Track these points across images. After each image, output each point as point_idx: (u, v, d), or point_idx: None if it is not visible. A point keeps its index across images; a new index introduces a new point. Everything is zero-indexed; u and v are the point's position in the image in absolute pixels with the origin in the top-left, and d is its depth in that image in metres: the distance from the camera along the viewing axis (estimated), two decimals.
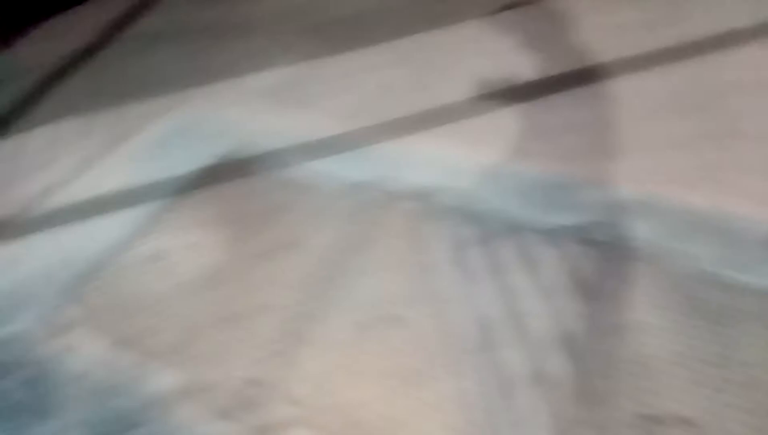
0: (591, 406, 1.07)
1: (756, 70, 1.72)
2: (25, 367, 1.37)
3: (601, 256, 1.37)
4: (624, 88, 1.78)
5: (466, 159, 1.68)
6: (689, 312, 1.19)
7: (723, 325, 1.15)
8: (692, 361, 1.10)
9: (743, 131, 1.54)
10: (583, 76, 1.86)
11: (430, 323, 1.27)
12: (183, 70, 2.46)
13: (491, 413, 1.08)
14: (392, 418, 1.11)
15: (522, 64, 1.96)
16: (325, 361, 1.25)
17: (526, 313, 1.25)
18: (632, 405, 1.05)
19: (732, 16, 1.96)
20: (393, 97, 1.98)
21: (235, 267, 1.53)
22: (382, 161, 1.77)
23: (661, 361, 1.11)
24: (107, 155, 2.09)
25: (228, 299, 1.44)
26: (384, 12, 2.53)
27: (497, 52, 2.06)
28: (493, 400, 1.10)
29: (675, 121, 1.62)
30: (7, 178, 2.08)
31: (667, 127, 1.61)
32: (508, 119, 1.77)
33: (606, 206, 1.46)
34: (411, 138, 1.80)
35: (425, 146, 1.76)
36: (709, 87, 1.71)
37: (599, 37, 2.02)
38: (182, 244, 1.63)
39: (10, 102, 2.49)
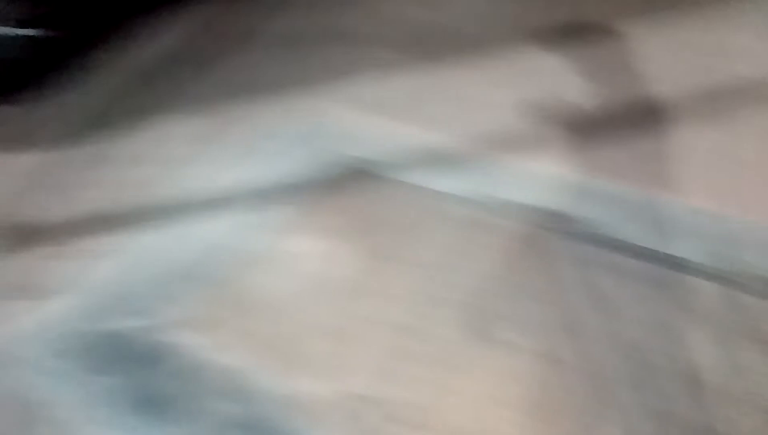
0: None
1: None
2: (155, 362, 1.41)
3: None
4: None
5: (577, 180, 1.79)
6: None
7: None
8: None
9: None
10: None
11: (559, 349, 1.28)
12: (299, 74, 2.52)
13: None
14: None
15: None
16: (444, 383, 1.25)
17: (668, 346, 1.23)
18: None
19: None
20: (503, 114, 2.13)
21: (355, 278, 1.57)
22: (500, 177, 1.86)
23: None
24: (226, 154, 2.13)
25: (341, 310, 1.48)
26: (490, 28, 2.70)
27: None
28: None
29: None
30: (130, 170, 2.13)
31: None
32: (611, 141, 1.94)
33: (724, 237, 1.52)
34: (518, 156, 1.93)
35: (534, 165, 1.88)
36: None
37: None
38: (303, 250, 1.69)
39: (121, 96, 2.53)
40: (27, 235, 1.88)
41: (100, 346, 1.49)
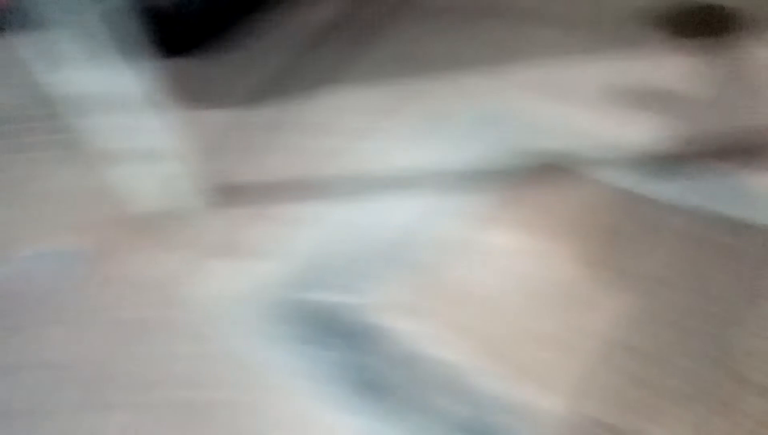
0: None
1: None
2: (371, 344, 1.43)
3: None
4: None
5: None
6: None
7: None
8: None
9: None
10: None
11: None
12: (470, 52, 2.48)
13: None
14: None
15: None
16: (703, 423, 1.17)
17: None
18: None
19: None
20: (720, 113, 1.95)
21: (569, 283, 1.51)
22: (725, 188, 1.71)
23: None
24: (405, 131, 2.14)
25: (559, 318, 1.42)
26: None
27: None
28: None
29: None
30: (313, 139, 2.16)
31: None
32: None
33: None
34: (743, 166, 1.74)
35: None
36: None
37: None
38: (506, 245, 1.64)
39: (282, 67, 2.60)
40: (227, 195, 1.94)
41: (311, 316, 1.52)
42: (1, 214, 2.00)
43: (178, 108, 1.68)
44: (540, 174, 1.86)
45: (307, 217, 1.83)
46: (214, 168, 2.02)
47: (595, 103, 2.09)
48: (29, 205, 2.04)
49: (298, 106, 2.35)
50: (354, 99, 2.34)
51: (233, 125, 2.29)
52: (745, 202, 1.64)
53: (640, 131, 1.93)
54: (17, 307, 1.66)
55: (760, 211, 1.60)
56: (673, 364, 1.26)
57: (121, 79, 1.48)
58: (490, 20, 2.67)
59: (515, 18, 2.63)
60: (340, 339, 1.45)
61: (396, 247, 1.68)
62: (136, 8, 1.52)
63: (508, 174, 1.87)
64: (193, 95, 2.40)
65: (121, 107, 1.53)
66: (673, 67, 2.19)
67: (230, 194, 1.95)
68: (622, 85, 2.16)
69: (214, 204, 1.90)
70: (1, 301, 1.68)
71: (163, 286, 1.67)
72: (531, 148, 1.94)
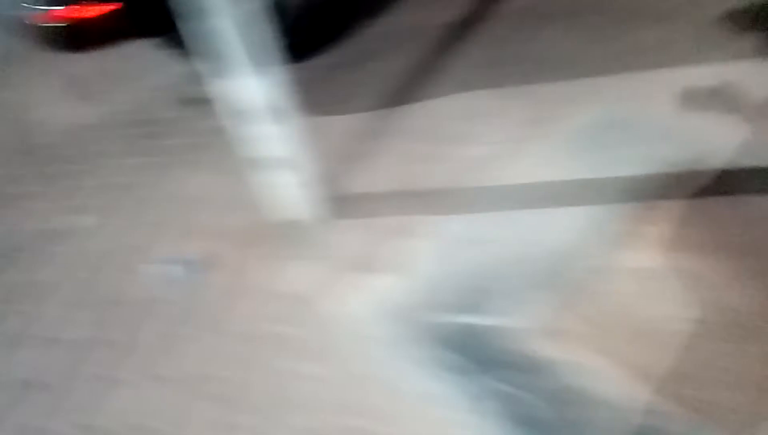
0: None
1: None
2: (530, 375, 1.29)
3: None
4: None
5: None
6: None
7: None
8: None
9: None
10: None
11: None
12: (587, 54, 2.30)
13: None
14: None
15: None
16: None
17: None
18: None
19: None
20: None
21: (736, 308, 1.30)
22: None
23: None
24: (531, 139, 1.99)
25: (726, 347, 1.23)
26: None
27: None
28: None
29: None
30: (421, 149, 2.06)
31: None
32: None
33: None
34: None
35: None
36: None
37: None
38: (663, 264, 1.44)
39: (404, 71, 2.51)
40: (352, 205, 1.85)
41: (456, 341, 1.38)
42: (136, 217, 2.04)
43: (306, 114, 1.61)
44: (682, 184, 1.62)
45: (440, 231, 1.71)
46: (340, 177, 1.96)
47: (722, 108, 1.83)
48: (164, 209, 2.06)
49: (421, 112, 2.24)
50: (480, 105, 2.19)
51: (356, 132, 2.21)
52: None
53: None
54: (149, 318, 1.65)
55: None
56: None
57: (259, 85, 1.43)
58: (595, 17, 2.45)
59: (643, 21, 2.38)
60: (488, 367, 1.29)
61: (540, 266, 1.51)
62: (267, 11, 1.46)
63: (648, 185, 1.64)
64: (316, 101, 2.36)
65: (257, 114, 1.48)
66: None
67: (355, 204, 1.87)
68: (742, 89, 1.85)
69: (342, 215, 1.82)
70: (135, 311, 1.68)
71: (296, 300, 1.61)
72: (668, 156, 1.71)
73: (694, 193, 1.61)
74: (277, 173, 1.63)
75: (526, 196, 1.75)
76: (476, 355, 1.35)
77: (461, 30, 2.67)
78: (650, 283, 1.40)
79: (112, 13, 2.31)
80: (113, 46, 2.55)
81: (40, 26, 2.34)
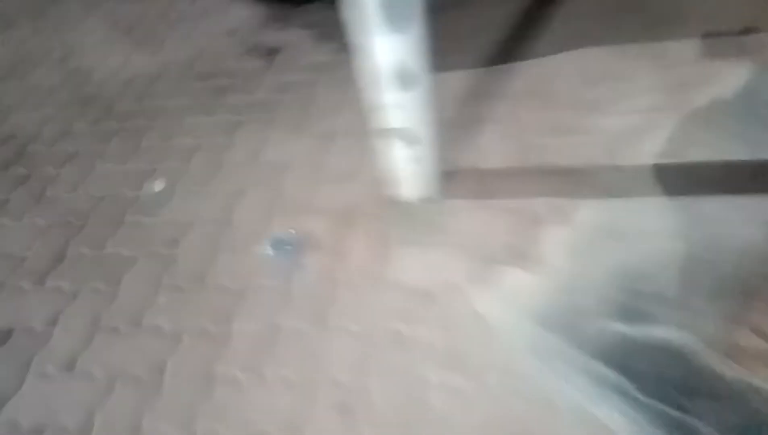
0: None
1: None
2: (698, 396, 1.09)
3: None
4: None
5: None
6: None
7: None
8: None
9: None
10: None
11: None
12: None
13: None
14: None
15: None
16: None
17: None
18: None
19: None
20: None
21: None
22: None
23: None
24: (670, 108, 1.70)
25: None
26: None
27: None
28: None
29: None
30: (540, 110, 1.81)
31: None
32: None
33: None
34: None
35: None
36: None
37: None
38: None
39: (503, 16, 2.25)
40: (468, 182, 1.60)
41: (614, 352, 1.16)
42: (210, 185, 1.80)
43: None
44: None
45: (573, 218, 1.46)
46: (451, 148, 1.69)
47: None
48: (242, 176, 1.82)
49: (533, 71, 1.95)
50: (600, 64, 1.89)
51: (462, 94, 1.93)
52: None
53: None
54: (243, 305, 1.45)
55: None
56: None
57: (394, 44, 1.16)
58: None
59: None
60: (655, 389, 1.08)
61: (705, 268, 1.26)
62: None
63: None
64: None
65: (386, 77, 1.22)
66: None
67: (470, 181, 1.61)
68: None
69: (456, 193, 1.58)
70: (225, 298, 1.48)
71: (414, 293, 1.39)
72: None
73: None
74: (392, 144, 1.39)
75: (673, 179, 1.49)
76: (639, 374, 1.13)
77: None
78: None
79: None
80: None
81: None
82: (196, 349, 1.36)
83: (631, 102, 1.74)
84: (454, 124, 1.79)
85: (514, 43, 2.10)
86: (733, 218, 1.36)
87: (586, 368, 1.17)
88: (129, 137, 2.07)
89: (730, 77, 1.72)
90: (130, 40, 2.62)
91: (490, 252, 1.42)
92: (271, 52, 2.34)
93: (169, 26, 2.68)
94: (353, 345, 1.31)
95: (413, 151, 1.38)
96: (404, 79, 1.20)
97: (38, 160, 2.04)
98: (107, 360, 1.38)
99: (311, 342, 1.33)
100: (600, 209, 1.47)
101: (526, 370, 1.20)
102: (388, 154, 1.41)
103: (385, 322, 1.33)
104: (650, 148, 1.59)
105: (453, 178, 1.60)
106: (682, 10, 2.04)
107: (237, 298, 1.45)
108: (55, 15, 2.99)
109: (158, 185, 1.84)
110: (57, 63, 2.57)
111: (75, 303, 1.52)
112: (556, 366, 1.19)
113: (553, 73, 1.91)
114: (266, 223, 1.63)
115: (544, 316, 1.27)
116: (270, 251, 1.53)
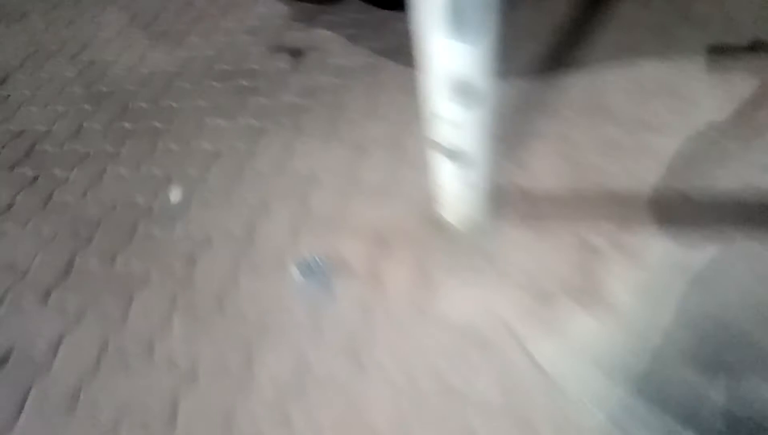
0: None
1: None
2: None
3: None
4: None
5: None
6: None
7: None
8: None
9: None
10: None
11: None
12: None
13: None
14: None
15: None
16: None
17: None
18: None
19: None
20: None
21: None
22: None
23: None
24: (739, 130, 1.55)
25: None
26: None
27: None
28: None
29: None
30: (595, 127, 1.65)
31: None
32: None
33: None
34: None
35: None
36: None
37: None
38: None
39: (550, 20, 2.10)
40: (518, 206, 1.45)
41: (704, 416, 1.00)
42: (232, 195, 1.65)
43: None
44: None
45: (637, 250, 1.30)
46: (500, 166, 1.54)
47: None
48: (266, 187, 1.66)
49: (584, 83, 1.78)
50: (655, 79, 1.73)
51: (509, 105, 1.76)
52: None
53: None
54: (266, 336, 1.30)
55: None
56: None
57: (461, 54, 1.01)
58: None
59: None
60: None
61: None
62: None
63: None
64: None
65: (448, 90, 1.07)
66: None
67: (521, 204, 1.45)
68: None
69: (505, 217, 1.42)
70: (246, 326, 1.33)
71: (462, 333, 1.22)
72: None
73: None
74: (443, 161, 1.24)
75: (750, 214, 1.34)
76: None
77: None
78: None
79: None
80: None
81: None
82: (214, 388, 1.21)
83: (690, 121, 1.58)
84: (500, 139, 1.63)
85: (564, 50, 1.94)
86: None
87: (667, 431, 1.01)
88: (144, 139, 1.92)
89: None
90: (147, 35, 2.47)
91: (546, 288, 1.26)
92: (296, 53, 2.19)
93: (188, 22, 2.54)
94: (392, 390, 1.15)
95: (465, 173, 1.23)
96: (466, 96, 1.05)
97: (47, 160, 1.90)
98: (114, 395, 1.23)
99: (345, 385, 1.17)
100: (669, 241, 1.31)
101: (594, 432, 1.05)
102: (437, 170, 1.26)
103: (428, 365, 1.18)
104: (721, 174, 1.43)
105: (502, 200, 1.45)
106: (746, 24, 1.88)
107: (260, 330, 1.30)
108: (70, 6, 2.85)
109: (175, 196, 1.69)
110: (70, 57, 2.43)
111: (80, 326, 1.38)
112: (629, 427, 1.03)
113: (603, 84, 1.75)
114: (293, 242, 1.48)
115: (612, 367, 1.11)
116: (297, 276, 1.38)
